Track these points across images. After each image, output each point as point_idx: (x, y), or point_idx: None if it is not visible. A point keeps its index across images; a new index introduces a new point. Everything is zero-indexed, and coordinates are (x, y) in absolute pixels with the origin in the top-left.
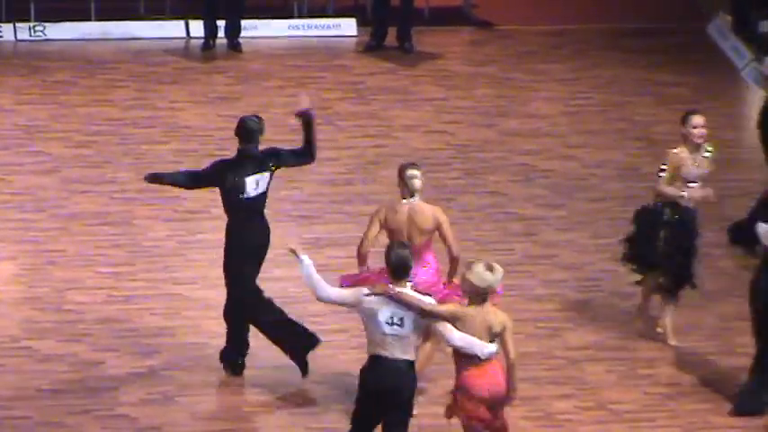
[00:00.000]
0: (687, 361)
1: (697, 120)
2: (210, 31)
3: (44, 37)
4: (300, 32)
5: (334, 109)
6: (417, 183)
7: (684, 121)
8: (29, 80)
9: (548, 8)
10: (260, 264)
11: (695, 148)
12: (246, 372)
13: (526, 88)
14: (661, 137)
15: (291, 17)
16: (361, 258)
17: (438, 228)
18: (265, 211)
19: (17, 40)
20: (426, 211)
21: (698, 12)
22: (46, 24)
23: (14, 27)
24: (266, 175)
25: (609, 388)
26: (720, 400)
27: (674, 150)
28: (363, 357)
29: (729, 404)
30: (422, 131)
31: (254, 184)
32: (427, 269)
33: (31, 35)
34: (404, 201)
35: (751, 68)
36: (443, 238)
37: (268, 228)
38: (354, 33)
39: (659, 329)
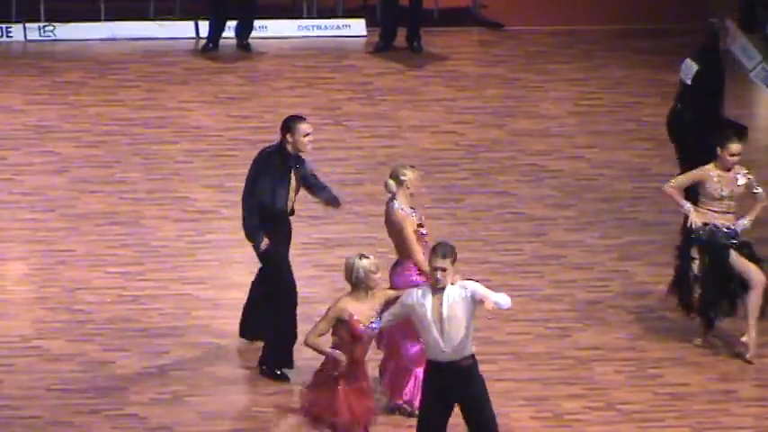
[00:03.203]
0: (695, 361)
1: (735, 148)
2: (214, 33)
3: (54, 37)
4: (310, 33)
5: (343, 109)
6: (389, 185)
7: (721, 145)
8: (38, 80)
9: (556, 9)
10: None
11: (725, 169)
12: (255, 371)
13: (535, 89)
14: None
15: (301, 17)
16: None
17: (399, 233)
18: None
19: (27, 41)
20: (395, 217)
21: (706, 12)
22: (55, 25)
23: (24, 27)
24: None
25: (618, 388)
26: (729, 400)
27: (705, 167)
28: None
29: (739, 405)
30: (431, 132)
31: None
32: (401, 276)
33: (40, 35)
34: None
35: (760, 69)
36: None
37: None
38: (364, 34)
39: (744, 339)
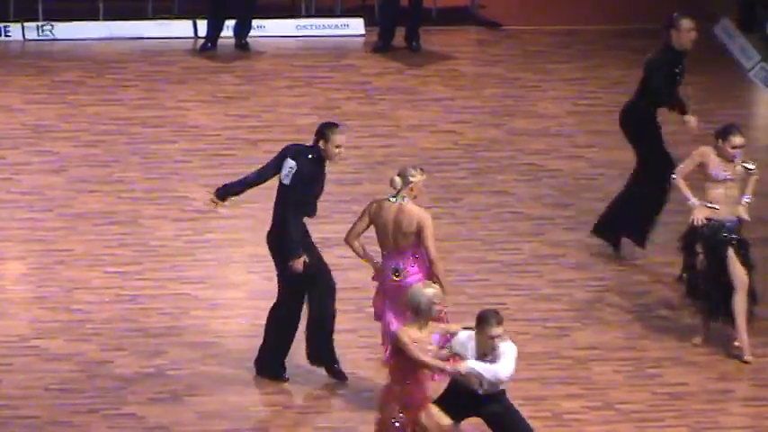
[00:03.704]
0: (693, 361)
1: (738, 141)
2: (212, 33)
3: (52, 37)
4: (308, 32)
5: (341, 109)
6: (394, 181)
7: (723, 137)
8: (37, 80)
9: (555, 8)
10: (274, 260)
11: (726, 159)
12: (253, 371)
13: (533, 88)
14: (668, 137)
15: (299, 17)
16: (352, 249)
17: (419, 232)
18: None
19: (25, 40)
20: (412, 214)
21: (705, 12)
22: (54, 24)
23: (22, 27)
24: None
25: (616, 388)
26: (728, 400)
27: (704, 148)
28: (371, 357)
29: (737, 404)
30: (429, 131)
31: (286, 170)
32: (411, 277)
33: (38, 35)
34: (392, 199)
35: (759, 69)
36: (422, 243)
37: (273, 225)
38: (362, 33)
39: (737, 343)
